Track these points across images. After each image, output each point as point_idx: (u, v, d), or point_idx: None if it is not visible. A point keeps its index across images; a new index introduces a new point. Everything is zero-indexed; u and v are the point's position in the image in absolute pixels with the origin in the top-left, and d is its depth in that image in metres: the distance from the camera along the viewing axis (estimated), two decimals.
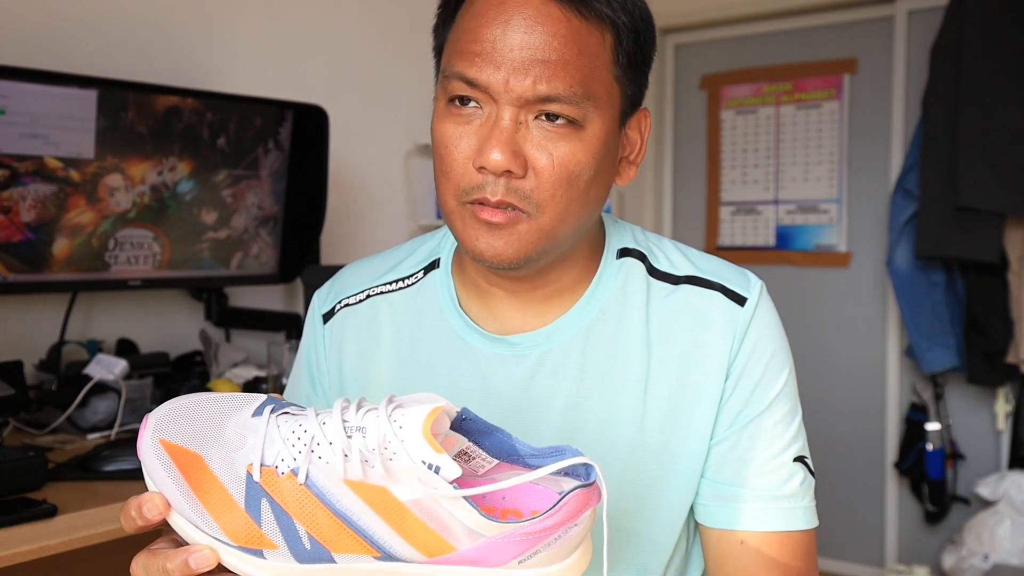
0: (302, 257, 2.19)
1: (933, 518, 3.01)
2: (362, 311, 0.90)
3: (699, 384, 0.81)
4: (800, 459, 0.83)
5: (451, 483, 0.54)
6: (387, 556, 0.56)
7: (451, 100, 0.75)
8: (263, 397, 0.61)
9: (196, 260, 2.01)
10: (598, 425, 0.81)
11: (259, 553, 0.57)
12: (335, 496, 0.56)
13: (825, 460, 3.17)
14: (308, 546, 0.56)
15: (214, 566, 0.57)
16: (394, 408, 0.56)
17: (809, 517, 0.82)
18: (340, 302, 0.91)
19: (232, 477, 0.57)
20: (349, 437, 0.56)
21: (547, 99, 0.71)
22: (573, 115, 0.72)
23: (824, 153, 3.27)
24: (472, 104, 0.74)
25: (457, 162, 0.74)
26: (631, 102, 0.79)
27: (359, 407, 0.58)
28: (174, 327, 2.15)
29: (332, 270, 1.04)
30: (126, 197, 1.84)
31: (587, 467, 0.58)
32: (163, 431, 0.59)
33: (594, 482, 0.57)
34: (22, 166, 1.67)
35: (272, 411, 0.59)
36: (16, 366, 1.67)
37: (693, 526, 0.87)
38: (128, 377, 1.77)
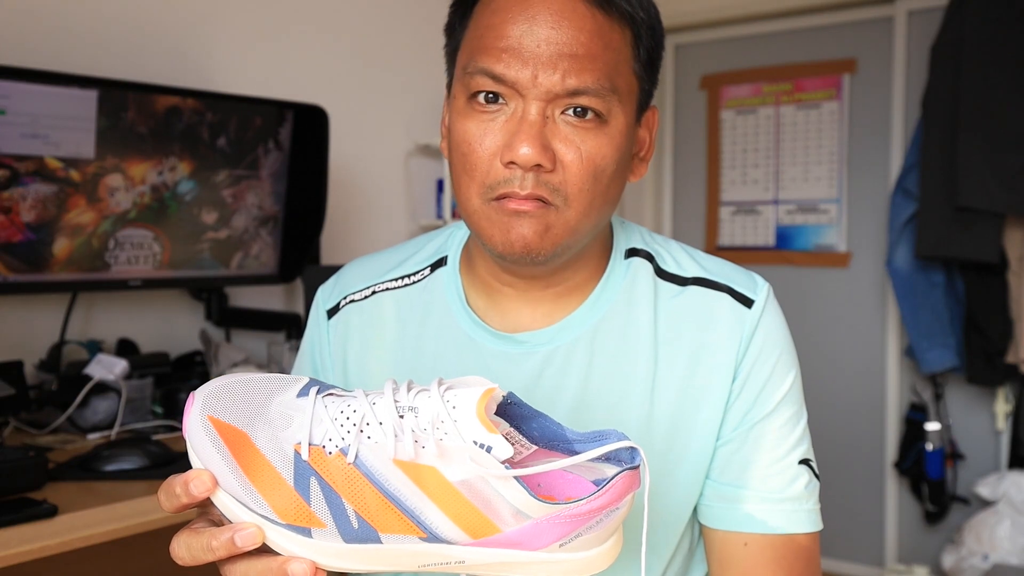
0: (302, 257, 2.18)
1: (933, 518, 3.01)
2: (367, 307, 0.89)
3: (705, 385, 0.81)
4: (805, 462, 0.83)
5: (502, 463, 0.54)
6: (433, 537, 0.56)
7: (474, 97, 0.74)
8: (306, 378, 0.61)
9: (196, 260, 2.01)
10: (604, 424, 0.81)
11: (306, 532, 0.57)
12: (384, 476, 0.55)
13: (825, 460, 3.16)
14: (356, 525, 0.56)
15: (260, 544, 0.57)
16: (446, 389, 0.56)
17: (813, 520, 0.81)
18: (345, 298, 0.90)
19: (279, 456, 0.57)
20: (401, 417, 0.56)
21: (576, 92, 0.71)
22: (600, 108, 0.72)
23: (824, 153, 3.27)
24: (499, 100, 0.73)
25: (482, 159, 0.73)
26: (646, 99, 0.80)
27: (409, 388, 0.58)
28: (174, 327, 2.14)
29: (332, 270, 1.04)
30: (126, 197, 1.84)
31: (631, 451, 0.58)
32: (211, 408, 0.58)
33: (638, 465, 0.57)
34: (22, 166, 1.66)
35: (318, 392, 0.59)
36: (16, 366, 1.67)
37: (697, 527, 0.87)
38: (128, 377, 1.77)
